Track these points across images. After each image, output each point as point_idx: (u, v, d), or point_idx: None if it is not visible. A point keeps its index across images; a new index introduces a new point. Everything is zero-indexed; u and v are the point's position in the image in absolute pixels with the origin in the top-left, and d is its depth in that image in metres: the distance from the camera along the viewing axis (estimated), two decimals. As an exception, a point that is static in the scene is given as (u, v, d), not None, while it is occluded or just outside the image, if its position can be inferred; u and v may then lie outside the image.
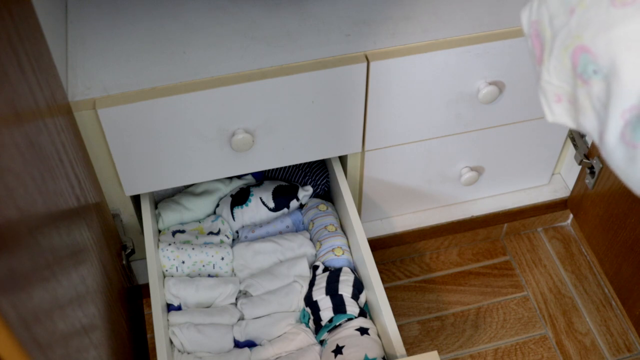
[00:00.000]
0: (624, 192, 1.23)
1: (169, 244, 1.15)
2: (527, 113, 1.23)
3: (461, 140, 1.24)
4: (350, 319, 1.07)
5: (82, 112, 1.01)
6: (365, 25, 1.11)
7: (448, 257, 1.45)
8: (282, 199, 1.25)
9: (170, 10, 1.15)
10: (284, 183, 1.28)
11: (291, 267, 1.15)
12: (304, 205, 1.27)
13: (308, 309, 1.10)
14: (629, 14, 0.52)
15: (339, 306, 1.08)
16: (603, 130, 0.54)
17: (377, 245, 1.36)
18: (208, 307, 1.13)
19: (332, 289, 1.09)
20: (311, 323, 1.10)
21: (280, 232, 1.23)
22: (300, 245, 1.18)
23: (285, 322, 1.09)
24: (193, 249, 1.16)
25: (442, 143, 1.24)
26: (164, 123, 1.04)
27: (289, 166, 1.30)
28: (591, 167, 1.31)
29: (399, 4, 1.15)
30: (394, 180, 1.29)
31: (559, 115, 0.62)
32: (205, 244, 1.18)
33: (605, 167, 1.27)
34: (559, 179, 1.45)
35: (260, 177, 1.32)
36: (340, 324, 1.07)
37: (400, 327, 1.30)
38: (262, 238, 1.21)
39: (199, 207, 1.24)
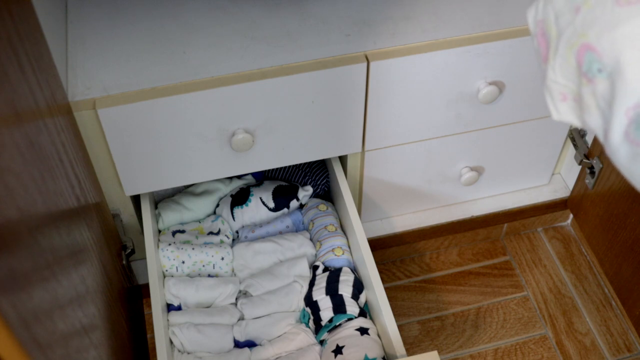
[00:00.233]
0: (624, 192, 1.23)
1: (169, 244, 1.15)
2: (527, 113, 1.23)
3: (461, 140, 1.24)
4: (350, 319, 1.07)
5: (82, 112, 1.01)
6: (365, 25, 1.11)
7: (448, 257, 1.45)
8: (282, 199, 1.25)
9: (170, 10, 1.15)
10: (284, 183, 1.28)
11: (291, 267, 1.15)
12: (304, 205, 1.27)
13: (308, 309, 1.10)
14: (634, 13, 0.52)
15: (339, 306, 1.08)
16: (607, 129, 0.54)
17: (377, 245, 1.36)
18: (208, 307, 1.13)
19: (332, 289, 1.09)
20: (311, 323, 1.10)
21: (280, 232, 1.23)
22: (300, 245, 1.18)
23: (285, 322, 1.09)
24: (193, 249, 1.16)
25: (442, 143, 1.24)
26: (164, 123, 1.04)
27: (289, 166, 1.30)
28: (591, 167, 1.31)
29: (399, 4, 1.15)
30: (394, 180, 1.29)
31: (565, 113, 0.62)
32: (205, 244, 1.18)
33: (605, 167, 1.27)
34: (559, 179, 1.45)
35: (260, 177, 1.32)
36: (340, 324, 1.07)
37: (400, 327, 1.30)
38: (262, 238, 1.21)
39: (199, 207, 1.24)
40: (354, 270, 1.14)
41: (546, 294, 1.39)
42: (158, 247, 1.15)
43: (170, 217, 1.22)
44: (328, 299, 1.08)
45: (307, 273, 1.14)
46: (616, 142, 0.53)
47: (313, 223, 1.21)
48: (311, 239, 1.20)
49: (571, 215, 1.48)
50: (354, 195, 1.29)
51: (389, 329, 1.02)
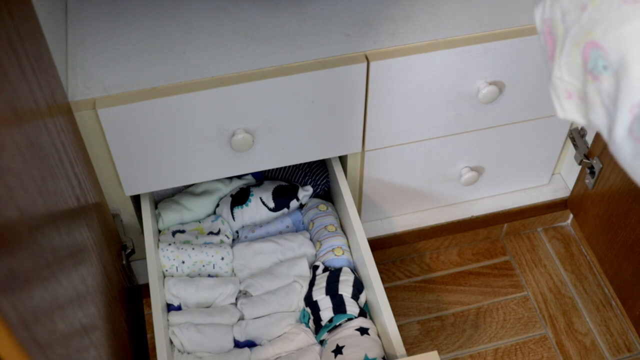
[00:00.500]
0: (624, 192, 1.23)
1: (169, 244, 1.15)
2: (527, 113, 1.23)
3: (461, 140, 1.24)
4: (350, 319, 1.07)
5: (82, 112, 1.01)
6: (365, 25, 1.11)
7: (448, 257, 1.45)
8: (282, 199, 1.25)
9: (170, 11, 1.15)
10: (284, 183, 1.28)
11: (291, 267, 1.15)
12: (304, 205, 1.27)
13: (308, 309, 1.10)
14: None
15: (339, 306, 1.08)
16: (612, 126, 0.54)
17: (377, 245, 1.36)
18: (208, 307, 1.13)
19: (332, 289, 1.09)
20: (311, 323, 1.10)
21: (280, 232, 1.23)
22: (300, 245, 1.18)
23: (285, 322, 1.09)
24: (193, 249, 1.16)
25: (442, 143, 1.24)
26: (164, 123, 1.04)
27: (289, 166, 1.30)
28: (591, 167, 1.31)
29: (399, 4, 1.15)
30: (394, 180, 1.29)
31: (570, 111, 0.62)
32: (205, 244, 1.18)
33: (605, 167, 1.27)
34: (559, 179, 1.45)
35: (260, 177, 1.32)
36: (340, 324, 1.07)
37: (400, 327, 1.30)
38: (262, 238, 1.21)
39: (199, 207, 1.24)
40: (354, 270, 1.14)
41: (546, 294, 1.39)
42: (158, 247, 1.15)
43: (170, 217, 1.22)
44: (328, 299, 1.08)
45: (307, 273, 1.14)
46: (620, 139, 0.53)
47: (313, 223, 1.21)
48: (311, 239, 1.20)
49: (571, 215, 1.48)
50: (354, 195, 1.29)
51: (389, 329, 1.02)
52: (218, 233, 1.21)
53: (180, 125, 1.05)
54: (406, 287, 1.40)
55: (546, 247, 1.47)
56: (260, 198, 1.24)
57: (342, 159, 1.25)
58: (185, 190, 1.29)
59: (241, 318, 1.12)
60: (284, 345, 1.07)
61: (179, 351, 1.07)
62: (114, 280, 1.06)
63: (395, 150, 1.22)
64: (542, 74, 1.16)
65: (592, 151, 1.31)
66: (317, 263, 1.15)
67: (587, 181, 1.33)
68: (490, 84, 1.13)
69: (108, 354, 0.89)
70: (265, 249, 1.17)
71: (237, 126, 1.07)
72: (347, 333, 1.05)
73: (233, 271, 1.18)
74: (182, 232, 1.21)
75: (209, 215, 1.25)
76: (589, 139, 1.32)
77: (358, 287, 1.10)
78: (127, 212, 1.20)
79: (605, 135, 0.57)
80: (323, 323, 1.08)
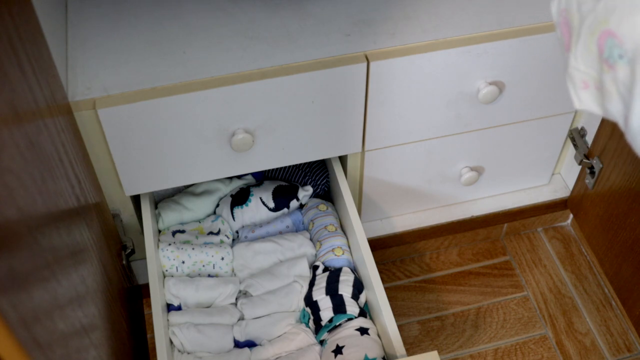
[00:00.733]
0: (624, 192, 1.23)
1: (169, 244, 1.15)
2: (527, 113, 1.23)
3: (461, 140, 1.24)
4: (350, 319, 1.07)
5: (82, 112, 1.01)
6: (365, 25, 1.11)
7: (448, 257, 1.45)
8: (282, 199, 1.25)
9: (171, 11, 1.15)
10: (284, 183, 1.28)
11: (291, 267, 1.15)
12: (304, 205, 1.27)
13: (308, 309, 1.10)
14: None
15: (339, 306, 1.08)
16: (628, 115, 0.54)
17: (377, 245, 1.36)
18: (208, 307, 1.13)
19: (332, 289, 1.09)
20: (311, 323, 1.10)
21: (280, 232, 1.23)
22: (300, 245, 1.18)
23: (285, 322, 1.09)
24: (193, 249, 1.16)
25: (442, 143, 1.24)
26: (164, 123, 1.04)
27: (289, 166, 1.30)
28: (591, 167, 1.31)
29: (399, 4, 1.15)
30: (394, 180, 1.29)
31: (586, 102, 0.62)
32: (205, 244, 1.18)
33: (605, 167, 1.27)
34: (559, 179, 1.45)
35: (260, 177, 1.32)
36: (340, 324, 1.07)
37: (400, 327, 1.31)
38: (262, 238, 1.21)
39: (199, 207, 1.24)
40: (354, 270, 1.14)
41: (546, 294, 1.39)
42: (158, 247, 1.15)
43: (170, 217, 1.22)
44: (328, 299, 1.08)
45: (307, 273, 1.14)
46: (636, 127, 0.54)
47: (313, 223, 1.22)
48: (311, 239, 1.20)
49: (571, 215, 1.48)
50: (354, 195, 1.29)
51: (389, 329, 1.02)
52: (218, 233, 1.21)
53: (180, 125, 1.05)
54: (406, 287, 1.40)
55: (546, 247, 1.47)
56: (260, 198, 1.24)
57: (342, 159, 1.25)
58: (185, 190, 1.29)
59: (241, 318, 1.12)
60: (284, 345, 1.07)
61: (179, 351, 1.07)
62: (114, 280, 1.06)
63: (395, 150, 1.22)
64: (542, 74, 1.16)
65: (592, 151, 1.31)
66: (317, 263, 1.15)
67: (587, 181, 1.33)
68: (490, 84, 1.13)
69: (108, 354, 0.89)
70: (265, 249, 1.17)
71: (237, 126, 1.07)
72: (347, 333, 1.05)
73: (233, 271, 1.18)
74: (182, 232, 1.21)
75: (209, 215, 1.25)
76: (589, 139, 1.32)
77: (358, 287, 1.10)
78: (127, 212, 1.20)
79: (621, 124, 0.57)
80: (323, 323, 1.08)
